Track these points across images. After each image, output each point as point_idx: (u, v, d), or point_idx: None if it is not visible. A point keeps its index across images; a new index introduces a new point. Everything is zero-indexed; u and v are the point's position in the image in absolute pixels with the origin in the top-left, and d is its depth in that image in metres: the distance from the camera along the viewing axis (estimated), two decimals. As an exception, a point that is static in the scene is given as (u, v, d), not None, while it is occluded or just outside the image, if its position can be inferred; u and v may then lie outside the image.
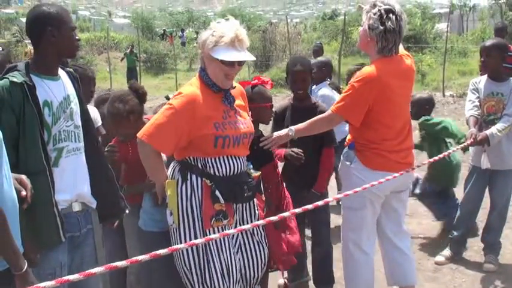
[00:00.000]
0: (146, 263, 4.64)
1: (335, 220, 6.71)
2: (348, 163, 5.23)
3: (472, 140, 5.97)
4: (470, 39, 35.66)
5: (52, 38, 3.69)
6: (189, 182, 4.32)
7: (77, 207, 3.88)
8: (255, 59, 4.69)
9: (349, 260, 5.38)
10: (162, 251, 2.90)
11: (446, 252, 6.92)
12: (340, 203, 5.30)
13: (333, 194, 6.91)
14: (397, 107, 5.10)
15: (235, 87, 4.63)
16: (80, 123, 3.92)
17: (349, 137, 5.34)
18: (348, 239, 5.33)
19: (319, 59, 8.53)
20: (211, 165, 4.34)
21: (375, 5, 4.97)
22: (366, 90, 4.92)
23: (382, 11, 4.90)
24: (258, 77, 5.26)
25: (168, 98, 4.82)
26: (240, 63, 4.41)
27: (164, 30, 53.98)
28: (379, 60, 5.03)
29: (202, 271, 4.30)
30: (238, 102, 4.61)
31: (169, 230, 4.46)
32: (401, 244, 5.47)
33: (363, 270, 5.33)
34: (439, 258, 6.88)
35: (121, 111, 4.74)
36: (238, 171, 4.45)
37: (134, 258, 2.83)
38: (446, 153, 6.11)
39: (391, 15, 4.90)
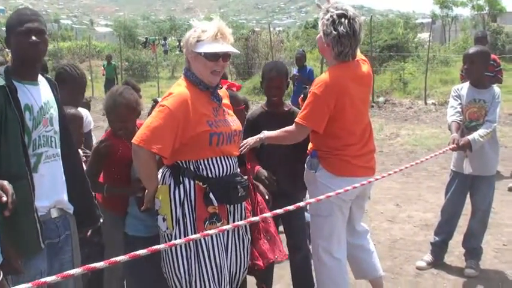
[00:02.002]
0: (133, 269, 4.66)
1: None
2: (312, 171, 5.23)
3: (454, 145, 5.99)
4: (452, 48, 35.88)
5: (12, 45, 3.67)
6: (181, 185, 4.25)
7: (55, 214, 3.82)
8: (238, 52, 4.61)
9: (321, 268, 5.35)
10: (141, 251, 2.86)
11: (428, 257, 6.92)
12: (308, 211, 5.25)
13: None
14: (356, 112, 5.12)
15: (221, 87, 4.61)
16: (58, 128, 3.86)
17: (310, 145, 5.34)
18: (319, 246, 5.28)
19: None
20: (203, 167, 4.27)
21: (327, 11, 5.01)
22: (327, 96, 4.93)
23: (335, 16, 4.94)
24: (225, 80, 5.24)
25: (156, 102, 4.77)
26: (225, 59, 4.35)
27: (146, 38, 53.95)
28: (337, 66, 5.06)
29: (192, 277, 4.25)
30: (225, 102, 4.58)
31: (160, 236, 4.40)
32: (360, 241, 5.55)
33: (336, 277, 5.28)
34: (421, 263, 6.87)
35: (132, 101, 4.73)
36: (231, 171, 4.39)
37: (113, 259, 2.78)
38: (431, 155, 6.08)
39: (343, 19, 4.93)
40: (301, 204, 4.34)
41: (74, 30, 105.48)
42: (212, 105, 4.39)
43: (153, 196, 4.37)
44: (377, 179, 4.96)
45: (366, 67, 5.24)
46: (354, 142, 5.12)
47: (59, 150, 3.86)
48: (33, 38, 3.62)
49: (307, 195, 5.59)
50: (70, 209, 3.96)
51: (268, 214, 4.03)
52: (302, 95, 9.13)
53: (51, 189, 3.76)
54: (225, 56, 4.35)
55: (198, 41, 4.27)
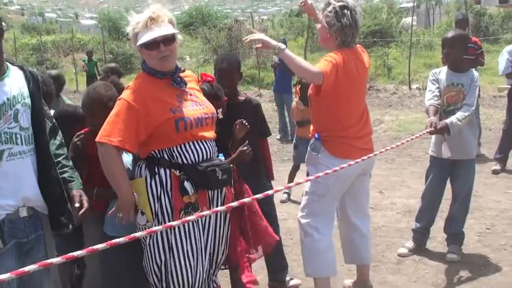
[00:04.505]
0: (111, 274, 4.60)
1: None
2: (315, 153, 5.37)
3: (432, 128, 5.95)
4: (436, 32, 35.88)
5: None
6: (157, 176, 4.19)
7: (24, 213, 3.69)
8: (176, 31, 4.34)
9: (307, 241, 5.47)
10: (100, 246, 2.80)
11: (410, 244, 6.90)
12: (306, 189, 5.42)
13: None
14: (357, 94, 5.36)
15: (184, 70, 4.51)
16: (28, 125, 3.72)
17: (311, 128, 5.52)
18: (307, 223, 5.44)
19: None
20: (178, 154, 4.20)
21: (329, 3, 5.21)
22: (341, 62, 5.08)
23: (337, 8, 5.15)
24: (205, 73, 5.17)
25: None
26: (167, 43, 4.21)
27: (131, 30, 53.68)
28: (342, 50, 5.22)
29: (167, 270, 4.22)
30: (193, 85, 4.52)
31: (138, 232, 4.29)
32: (361, 225, 5.73)
33: (320, 248, 5.41)
34: (402, 250, 6.85)
35: (102, 96, 4.66)
36: (208, 155, 4.31)
37: (70, 254, 2.71)
38: (408, 139, 6.04)
39: (345, 11, 5.15)
40: (301, 181, 4.65)
41: (58, 24, 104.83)
42: (175, 91, 4.32)
43: (128, 205, 4.23)
44: (363, 159, 4.97)
45: (365, 57, 5.49)
46: (353, 123, 5.31)
47: (28, 147, 3.72)
48: None
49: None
50: (43, 208, 3.83)
51: (248, 199, 4.00)
52: (299, 85, 9.03)
53: (17, 188, 3.64)
54: (166, 40, 4.21)
55: (136, 35, 4.23)
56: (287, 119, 15.11)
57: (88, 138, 4.65)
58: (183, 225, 4.18)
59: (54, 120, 4.06)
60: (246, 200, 4.20)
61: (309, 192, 5.46)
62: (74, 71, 33.08)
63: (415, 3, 32.43)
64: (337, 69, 5.03)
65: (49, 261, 2.64)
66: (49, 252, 3.89)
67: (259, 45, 5.02)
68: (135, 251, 4.39)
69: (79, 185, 3.98)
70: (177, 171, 4.19)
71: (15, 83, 3.71)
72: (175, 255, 4.21)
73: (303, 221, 5.48)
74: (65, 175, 3.94)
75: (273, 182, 6.01)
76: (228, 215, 4.61)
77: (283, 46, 4.96)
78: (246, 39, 5.05)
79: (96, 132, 4.40)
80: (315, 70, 4.97)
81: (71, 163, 4.08)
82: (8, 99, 3.61)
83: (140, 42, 4.17)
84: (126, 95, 4.20)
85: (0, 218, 3.52)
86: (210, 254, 4.46)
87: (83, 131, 4.76)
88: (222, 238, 4.56)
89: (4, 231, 3.54)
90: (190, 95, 4.41)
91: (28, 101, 3.75)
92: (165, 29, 4.19)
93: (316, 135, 5.40)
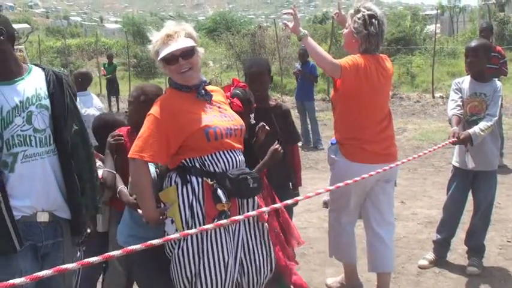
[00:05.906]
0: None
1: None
2: (333, 156, 5.66)
3: (454, 138, 5.89)
4: (460, 40, 35.67)
5: None
6: (189, 184, 4.20)
7: (42, 218, 3.68)
8: (193, 44, 4.36)
9: (331, 231, 6.01)
10: (116, 253, 2.81)
11: (430, 255, 6.82)
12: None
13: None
14: (379, 98, 5.54)
15: (209, 83, 4.55)
16: (43, 126, 3.70)
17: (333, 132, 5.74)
18: (331, 215, 5.99)
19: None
20: (209, 162, 4.22)
21: (359, 10, 5.45)
22: (361, 64, 5.31)
23: (366, 17, 5.39)
24: (237, 79, 5.16)
25: None
26: (185, 57, 4.27)
27: (154, 35, 53.98)
28: (364, 55, 5.43)
29: (197, 280, 4.19)
30: (219, 99, 4.55)
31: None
32: (383, 233, 5.79)
33: (342, 238, 5.88)
34: (423, 262, 6.77)
35: (141, 91, 4.82)
36: (238, 165, 4.32)
37: (86, 260, 2.73)
38: (430, 149, 6.00)
39: (373, 20, 5.39)
40: (320, 191, 4.67)
41: (83, 27, 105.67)
42: (202, 104, 4.37)
43: (151, 220, 4.30)
44: (385, 169, 4.96)
45: (389, 64, 5.69)
46: (370, 125, 5.50)
47: (44, 149, 3.70)
48: None
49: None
50: (62, 211, 3.80)
51: (266, 209, 4.02)
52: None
53: (31, 190, 3.63)
54: (184, 54, 4.27)
55: (157, 52, 4.32)
56: (309, 126, 15.06)
57: (126, 135, 4.85)
58: (215, 234, 4.18)
59: (83, 125, 3.99)
60: (264, 209, 4.19)
61: (331, 192, 5.76)
62: (98, 75, 33.22)
63: (439, 11, 32.25)
64: (358, 70, 5.27)
65: (63, 266, 2.64)
66: (66, 259, 3.84)
67: (289, 24, 5.40)
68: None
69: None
70: (209, 179, 4.20)
71: (32, 85, 3.73)
72: (206, 265, 4.18)
73: (329, 214, 6.04)
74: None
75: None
76: (265, 226, 4.55)
77: (307, 33, 5.32)
78: (285, 11, 5.48)
79: (134, 127, 4.66)
80: (334, 61, 5.27)
81: (91, 184, 4.03)
82: (20, 101, 3.63)
83: (160, 57, 4.27)
84: (154, 110, 4.26)
85: (15, 218, 3.52)
86: (241, 264, 4.41)
87: (117, 131, 4.91)
88: (262, 249, 4.49)
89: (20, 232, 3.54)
90: (219, 107, 4.45)
91: (45, 102, 3.74)
92: (181, 43, 4.25)
93: (332, 140, 5.69)
